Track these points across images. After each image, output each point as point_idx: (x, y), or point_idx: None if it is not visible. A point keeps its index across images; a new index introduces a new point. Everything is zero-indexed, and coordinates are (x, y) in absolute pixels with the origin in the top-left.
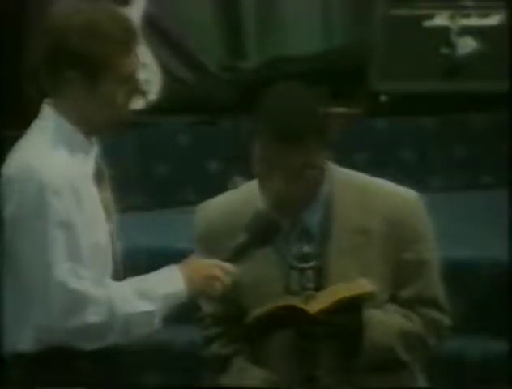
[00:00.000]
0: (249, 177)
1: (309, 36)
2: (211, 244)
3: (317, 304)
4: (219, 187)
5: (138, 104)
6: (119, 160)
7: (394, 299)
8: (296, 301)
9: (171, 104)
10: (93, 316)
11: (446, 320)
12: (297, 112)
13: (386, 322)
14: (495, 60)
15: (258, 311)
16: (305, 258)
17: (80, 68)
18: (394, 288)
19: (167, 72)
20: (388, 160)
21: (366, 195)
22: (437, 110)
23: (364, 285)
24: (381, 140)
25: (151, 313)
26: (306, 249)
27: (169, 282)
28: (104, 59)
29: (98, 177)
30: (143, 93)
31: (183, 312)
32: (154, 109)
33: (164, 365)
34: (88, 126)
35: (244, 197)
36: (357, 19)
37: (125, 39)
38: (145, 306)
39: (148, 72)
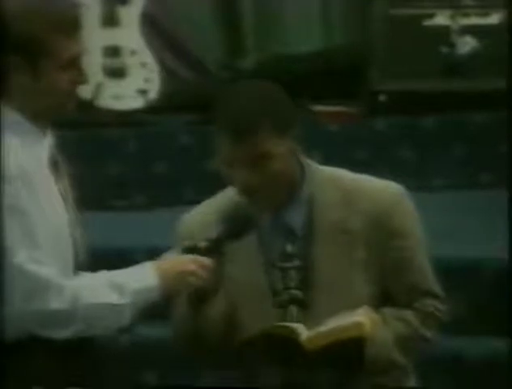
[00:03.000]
0: None
1: (308, 34)
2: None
3: (314, 338)
4: (219, 186)
5: (137, 102)
6: (119, 159)
7: (387, 296)
8: (292, 329)
9: (170, 103)
10: (55, 302)
11: (442, 307)
12: (245, 106)
13: (383, 335)
14: (495, 59)
15: (253, 333)
16: (288, 257)
17: (21, 53)
18: (385, 284)
19: (166, 71)
20: (387, 159)
21: (348, 193)
22: (437, 109)
23: (361, 325)
24: (380, 139)
25: (120, 306)
26: (289, 248)
27: (142, 277)
28: (44, 43)
29: (53, 167)
30: (86, 81)
31: None
32: (153, 108)
33: (165, 364)
34: (35, 115)
35: (221, 201)
36: (357, 17)
37: (65, 23)
38: (113, 299)
39: (148, 71)
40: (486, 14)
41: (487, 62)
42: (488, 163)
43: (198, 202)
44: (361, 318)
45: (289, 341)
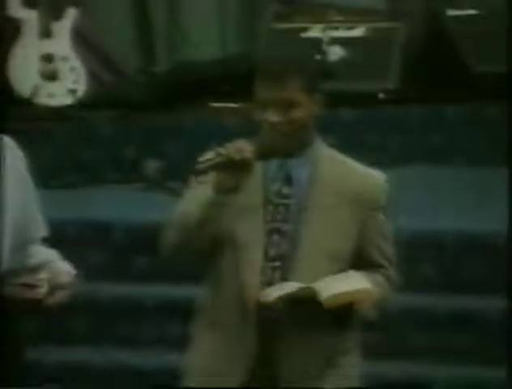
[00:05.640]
0: (159, 160)
1: (208, 45)
2: None
3: (332, 298)
4: (135, 170)
5: (68, 100)
6: (54, 147)
7: (361, 257)
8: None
9: (95, 100)
10: None
11: (398, 278)
12: (284, 58)
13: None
14: (359, 65)
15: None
16: (282, 196)
17: None
18: (359, 244)
19: (91, 74)
20: None
21: (346, 169)
22: None
23: (369, 292)
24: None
25: None
26: (285, 190)
27: None
28: None
29: None
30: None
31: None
32: (81, 105)
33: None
34: None
35: None
36: (248, 30)
37: None
38: None
39: (76, 74)
40: (351, 28)
41: (352, 67)
42: (355, 152)
43: (117, 181)
44: (368, 283)
45: (311, 301)
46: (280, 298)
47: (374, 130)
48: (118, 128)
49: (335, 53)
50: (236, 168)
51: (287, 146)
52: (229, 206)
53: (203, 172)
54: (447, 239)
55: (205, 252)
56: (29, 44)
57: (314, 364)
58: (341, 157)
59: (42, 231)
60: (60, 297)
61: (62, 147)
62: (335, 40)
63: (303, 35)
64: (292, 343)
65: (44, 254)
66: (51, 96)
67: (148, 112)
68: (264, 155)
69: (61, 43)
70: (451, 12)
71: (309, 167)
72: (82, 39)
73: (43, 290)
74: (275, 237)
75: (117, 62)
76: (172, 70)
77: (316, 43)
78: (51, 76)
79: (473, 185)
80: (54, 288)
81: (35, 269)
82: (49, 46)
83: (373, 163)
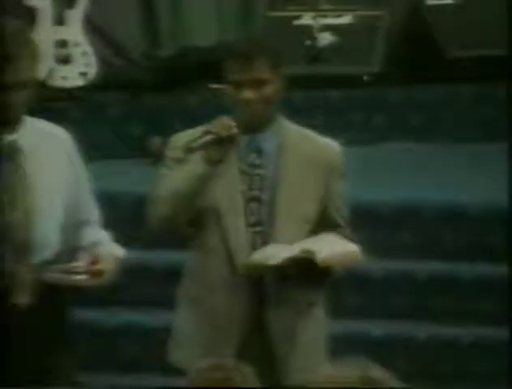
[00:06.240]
0: (163, 138)
1: (207, 32)
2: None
3: (326, 260)
4: (141, 146)
5: (80, 82)
6: (66, 125)
7: (323, 218)
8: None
9: (105, 82)
10: None
11: (353, 237)
12: (252, 42)
13: None
14: (347, 50)
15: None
16: (255, 167)
17: None
18: (322, 207)
19: (101, 58)
20: None
21: (309, 140)
22: (303, 88)
23: (358, 254)
24: None
25: None
26: (257, 161)
27: None
28: None
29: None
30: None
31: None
32: (92, 87)
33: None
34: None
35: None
36: (243, 18)
37: (6, 50)
38: None
39: (87, 58)
40: (340, 16)
41: (340, 52)
42: (342, 130)
43: (126, 156)
44: (355, 247)
45: (309, 262)
46: (286, 260)
47: (359, 110)
48: (126, 108)
49: (325, 38)
50: (223, 143)
51: (259, 121)
52: (214, 178)
53: (197, 149)
54: (426, 210)
55: (191, 223)
56: (44, 31)
57: (298, 316)
58: (303, 130)
59: (94, 214)
60: (99, 282)
61: (75, 125)
62: (325, 27)
63: (295, 22)
64: (280, 299)
65: (94, 236)
66: (64, 78)
67: (154, 93)
68: (241, 130)
69: (74, 30)
70: (430, 1)
71: (276, 139)
72: (92, 26)
73: (80, 277)
74: (253, 205)
75: (125, 48)
76: (176, 55)
77: (307, 29)
78: (64, 60)
79: (450, 160)
80: (93, 274)
81: (81, 252)
82: (62, 33)
83: (358, 140)
